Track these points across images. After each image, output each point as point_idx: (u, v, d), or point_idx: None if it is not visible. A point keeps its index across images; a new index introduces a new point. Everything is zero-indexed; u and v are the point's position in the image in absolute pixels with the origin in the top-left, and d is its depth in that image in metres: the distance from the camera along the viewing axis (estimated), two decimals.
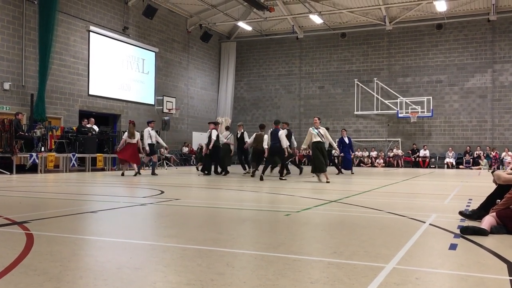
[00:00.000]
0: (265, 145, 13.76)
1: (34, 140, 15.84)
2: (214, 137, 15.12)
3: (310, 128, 12.49)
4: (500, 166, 22.87)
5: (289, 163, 16.29)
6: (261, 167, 13.92)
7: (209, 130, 15.41)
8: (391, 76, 27.42)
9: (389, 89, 27.20)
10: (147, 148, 14.87)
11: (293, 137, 15.89)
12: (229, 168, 16.09)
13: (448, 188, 10.64)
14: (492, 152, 24.31)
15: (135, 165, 14.62)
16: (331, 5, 26.11)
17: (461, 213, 5.28)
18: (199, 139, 27.76)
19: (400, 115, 26.51)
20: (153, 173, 15.02)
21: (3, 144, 14.70)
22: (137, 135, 14.89)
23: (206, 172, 15.58)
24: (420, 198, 8.38)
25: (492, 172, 5.31)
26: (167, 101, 24.98)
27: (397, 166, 25.85)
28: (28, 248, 3.49)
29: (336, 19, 27.99)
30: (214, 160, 15.61)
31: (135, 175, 14.29)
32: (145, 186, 10.56)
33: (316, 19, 26.10)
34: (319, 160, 12.06)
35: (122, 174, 14.45)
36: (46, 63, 17.93)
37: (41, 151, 15.69)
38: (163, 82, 25.52)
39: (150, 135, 14.98)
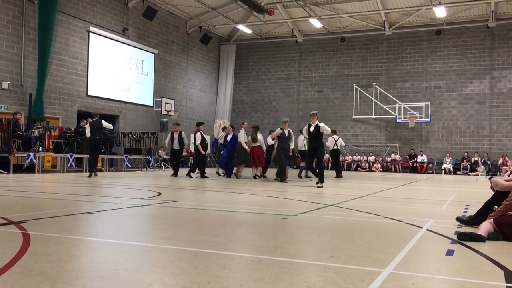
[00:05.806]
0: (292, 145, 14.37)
1: (32, 140, 15.79)
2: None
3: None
4: (497, 173, 22.90)
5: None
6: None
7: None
8: (390, 81, 27.47)
9: (388, 94, 27.25)
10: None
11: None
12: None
13: (445, 194, 10.65)
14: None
15: (258, 168, 15.29)
16: (331, 9, 26.18)
17: (458, 219, 5.28)
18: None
19: (398, 120, 26.55)
20: (299, 176, 15.79)
21: (0, 143, 14.67)
22: (259, 137, 15.13)
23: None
24: (417, 203, 8.38)
25: (490, 179, 5.32)
26: (165, 103, 24.99)
27: (395, 171, 25.87)
28: (24, 248, 3.47)
29: (336, 24, 28.05)
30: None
31: (254, 177, 14.79)
32: (142, 187, 10.54)
33: (316, 23, 26.17)
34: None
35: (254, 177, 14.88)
36: (45, 63, 17.92)
37: (38, 151, 15.65)
38: (162, 84, 25.52)
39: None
